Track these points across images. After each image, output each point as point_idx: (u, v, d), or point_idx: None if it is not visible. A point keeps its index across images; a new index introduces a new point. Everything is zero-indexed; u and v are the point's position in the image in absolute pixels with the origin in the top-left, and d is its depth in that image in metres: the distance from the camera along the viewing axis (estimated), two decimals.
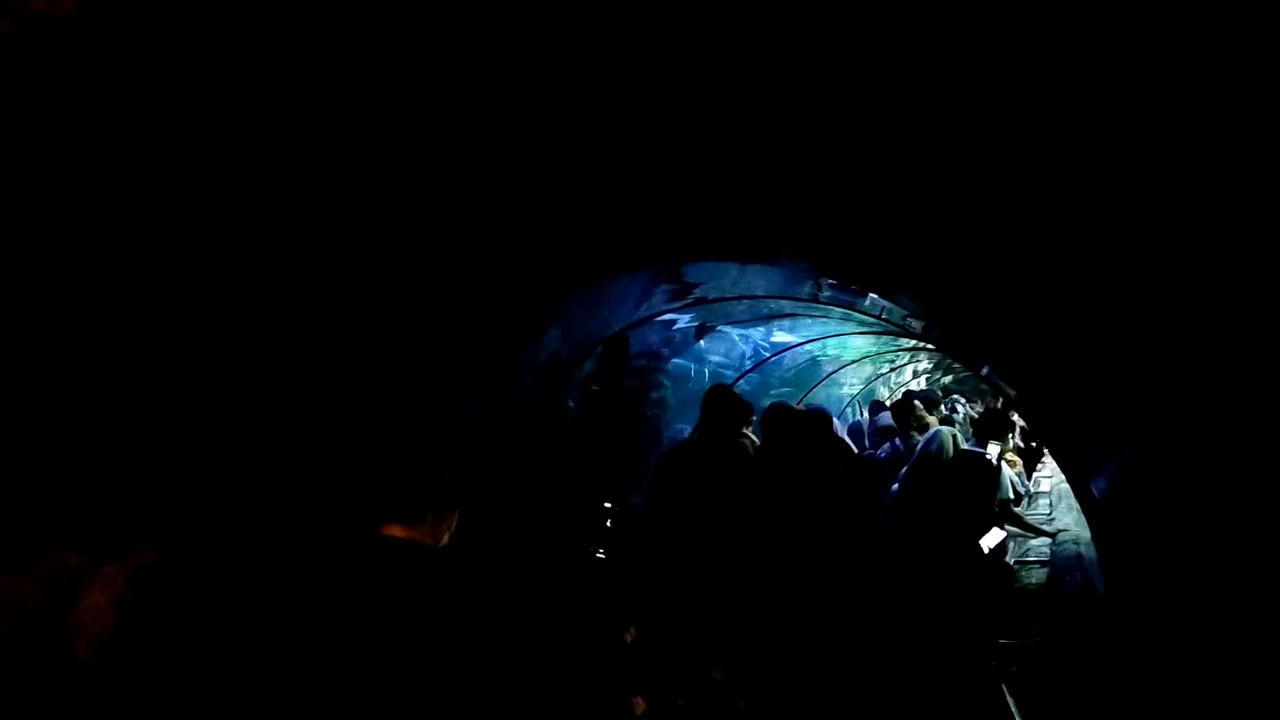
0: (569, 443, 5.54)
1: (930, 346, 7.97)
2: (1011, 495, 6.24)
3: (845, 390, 10.41)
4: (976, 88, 2.39)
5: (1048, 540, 6.72)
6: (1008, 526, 5.83)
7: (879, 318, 5.47)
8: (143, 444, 2.54)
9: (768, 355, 8.03)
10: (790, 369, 8.68)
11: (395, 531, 2.06)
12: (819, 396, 9.19)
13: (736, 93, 2.69)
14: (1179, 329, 2.30)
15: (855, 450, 6.42)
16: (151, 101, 2.48)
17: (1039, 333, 2.88)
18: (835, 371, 9.53)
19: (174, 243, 2.65)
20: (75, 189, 2.42)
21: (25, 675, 1.69)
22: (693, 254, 4.23)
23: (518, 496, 2.71)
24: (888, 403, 9.00)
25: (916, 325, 4.80)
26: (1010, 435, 8.25)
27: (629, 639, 3.11)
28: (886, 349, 9.48)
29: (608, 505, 3.33)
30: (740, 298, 5.75)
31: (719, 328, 6.84)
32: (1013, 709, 3.73)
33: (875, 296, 4.68)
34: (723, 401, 4.20)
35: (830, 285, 5.02)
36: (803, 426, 4.05)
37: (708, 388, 4.37)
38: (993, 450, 5.67)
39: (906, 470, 5.22)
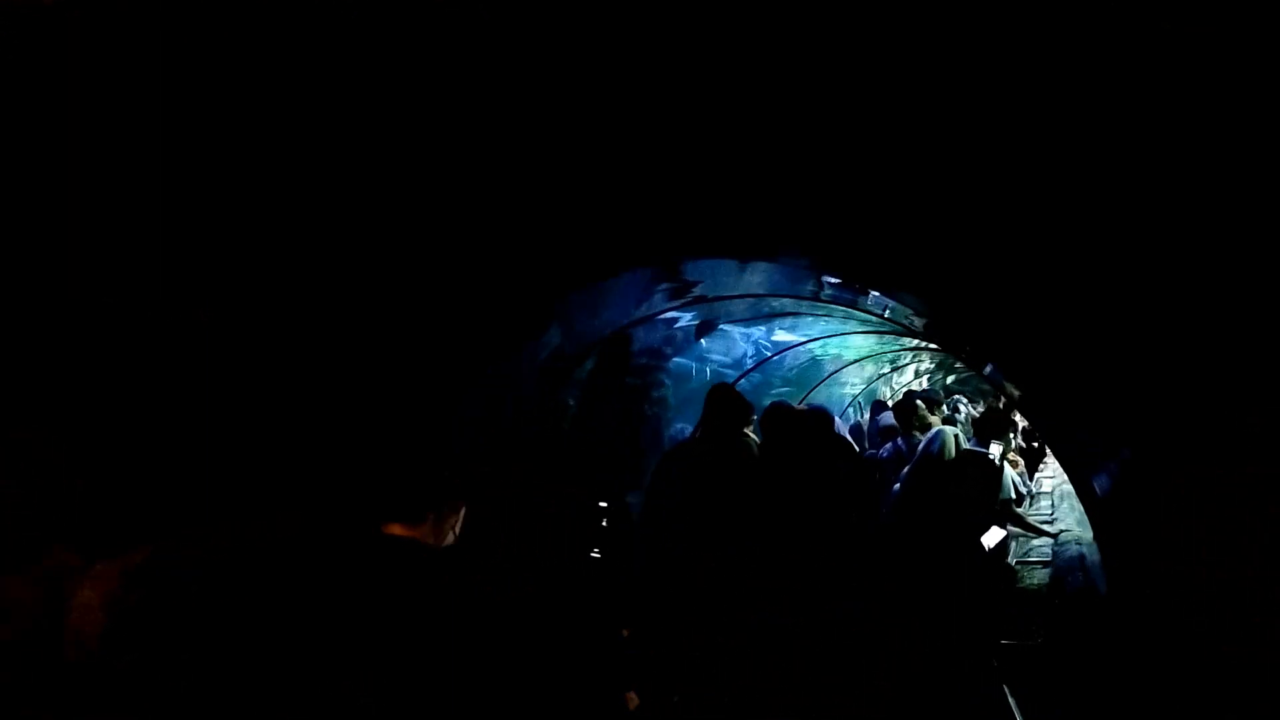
0: (569, 443, 5.54)
1: (933, 346, 7.97)
2: (1013, 495, 6.24)
3: (847, 390, 10.40)
4: (978, 86, 2.39)
5: (1049, 540, 6.72)
6: (1009, 527, 5.82)
7: (881, 316, 5.46)
8: (143, 444, 2.54)
9: (769, 354, 8.02)
10: (792, 368, 8.68)
11: (396, 531, 2.06)
12: (820, 396, 9.18)
13: (737, 91, 2.69)
14: (1179, 329, 2.30)
15: (857, 450, 6.43)
16: (151, 101, 2.48)
17: (1042, 332, 2.88)
18: (837, 371, 9.52)
19: (174, 243, 2.65)
20: (75, 189, 2.42)
21: (25, 675, 1.69)
22: (692, 252, 4.22)
23: (518, 496, 2.70)
24: (889, 402, 9.00)
25: (919, 324, 4.80)
26: (1012, 435, 8.26)
27: (625, 638, 3.11)
28: (888, 348, 9.48)
29: (603, 505, 3.33)
30: (741, 296, 5.74)
31: (720, 326, 6.84)
32: (1014, 709, 3.73)
33: (877, 295, 4.68)
34: (725, 400, 4.19)
35: (832, 284, 5.02)
36: (803, 426, 4.04)
37: (709, 387, 4.36)
38: (995, 450, 5.67)
39: (908, 470, 5.22)
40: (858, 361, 9.74)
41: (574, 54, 2.67)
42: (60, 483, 1.83)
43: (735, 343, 7.55)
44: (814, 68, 2.54)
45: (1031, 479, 9.19)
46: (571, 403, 5.59)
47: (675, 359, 6.82)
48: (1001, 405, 8.10)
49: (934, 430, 5.23)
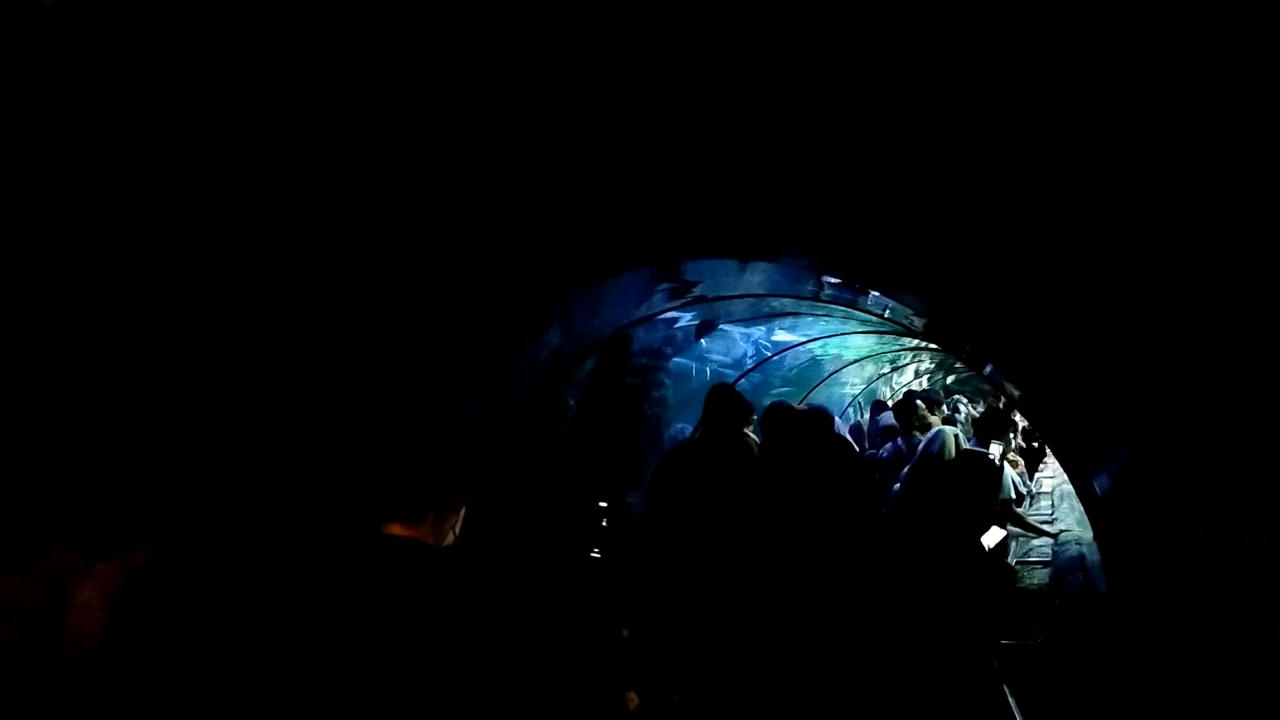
0: (569, 443, 5.54)
1: (933, 346, 7.97)
2: (1013, 495, 6.24)
3: (847, 390, 10.40)
4: (978, 86, 2.39)
5: (1049, 540, 6.72)
6: (1009, 527, 5.82)
7: (881, 316, 5.46)
8: (143, 444, 2.54)
9: (769, 354, 8.02)
10: (792, 368, 8.68)
11: (396, 531, 2.06)
12: (820, 396, 9.18)
13: (736, 89, 2.69)
14: (1179, 329, 2.30)
15: (857, 450, 6.43)
16: (151, 101, 2.48)
17: (1042, 332, 2.88)
18: (837, 371, 9.52)
19: (174, 243, 2.65)
20: (75, 189, 2.42)
21: (25, 675, 1.69)
22: (692, 251, 4.22)
23: (518, 496, 2.70)
24: (889, 402, 9.00)
25: (919, 324, 4.80)
26: (1012, 435, 8.26)
27: (625, 638, 3.11)
28: (888, 348, 9.48)
29: (603, 505, 3.33)
30: (741, 296, 5.74)
31: (720, 326, 6.84)
32: (1014, 709, 3.73)
33: (877, 294, 4.68)
34: (725, 400, 4.19)
35: (832, 283, 5.02)
36: (803, 426, 4.04)
37: (709, 387, 4.36)
38: (995, 450, 5.67)
39: (908, 470, 5.22)
40: (858, 361, 9.74)
41: (574, 54, 2.67)
42: (60, 483, 1.83)
43: (735, 343, 7.55)
44: (814, 68, 2.54)
45: (1031, 479, 9.19)
46: (571, 403, 5.59)
47: (675, 359, 6.82)
48: (1001, 405, 8.10)
49: (934, 430, 5.23)
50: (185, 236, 2.67)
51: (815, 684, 2.28)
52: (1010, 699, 3.79)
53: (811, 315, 6.88)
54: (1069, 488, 6.75)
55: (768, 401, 4.42)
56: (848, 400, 10.45)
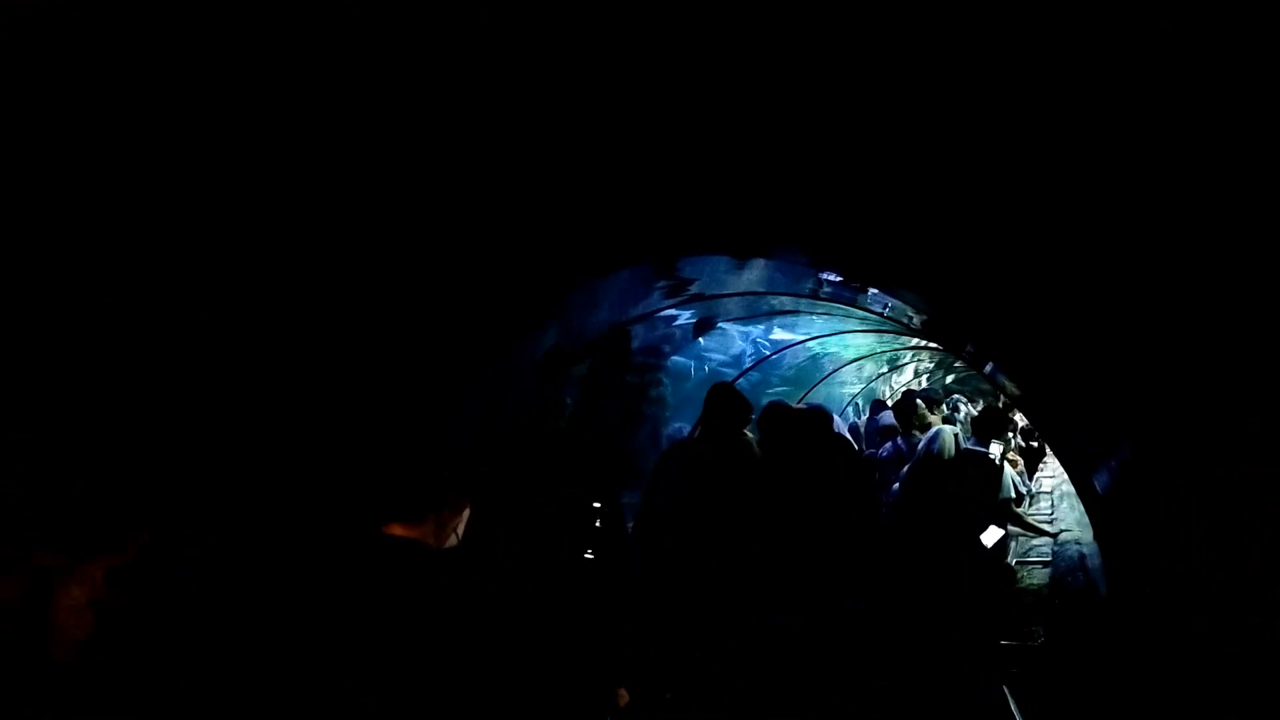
0: (567, 442, 5.54)
1: (933, 345, 7.98)
2: (1013, 495, 6.25)
3: (846, 389, 10.40)
4: (978, 83, 2.39)
5: (1049, 540, 6.73)
6: (1009, 526, 5.83)
7: (880, 315, 5.46)
8: (143, 444, 2.54)
9: (768, 353, 8.02)
10: (790, 367, 8.68)
11: (396, 531, 2.06)
12: (820, 395, 9.18)
13: (735, 86, 2.69)
14: (1180, 329, 2.30)
15: (856, 449, 6.43)
16: (151, 101, 2.48)
17: (1042, 331, 2.88)
18: (836, 370, 9.52)
19: (174, 243, 2.65)
20: (75, 189, 2.42)
21: (12, 675, 1.69)
22: (689, 248, 4.22)
23: (518, 496, 2.70)
24: (889, 402, 9.01)
25: (918, 322, 4.80)
26: (1012, 434, 8.26)
27: (625, 638, 3.12)
28: (888, 347, 9.48)
29: (597, 505, 3.33)
30: (740, 294, 5.75)
31: (719, 324, 6.84)
32: (1013, 709, 3.73)
33: (877, 292, 4.68)
34: (725, 399, 4.19)
35: (831, 281, 5.01)
36: (802, 425, 4.04)
37: (710, 386, 4.36)
38: (995, 450, 5.67)
39: (908, 469, 5.23)
40: (857, 360, 9.75)
41: (572, 53, 2.67)
42: (60, 483, 1.83)
43: (734, 341, 7.55)
44: (814, 63, 2.54)
45: (1031, 479, 9.20)
46: (569, 401, 5.59)
47: (674, 357, 6.82)
48: (1001, 404, 8.11)
49: (933, 430, 5.23)
50: (185, 236, 2.67)
51: (815, 684, 2.28)
52: (1010, 699, 3.79)
53: (810, 313, 6.88)
54: (1069, 487, 6.76)
55: (765, 401, 4.43)
56: (847, 399, 10.45)
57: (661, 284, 5.07)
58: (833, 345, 8.66)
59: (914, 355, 10.95)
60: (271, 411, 2.98)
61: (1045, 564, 6.25)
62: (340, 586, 1.95)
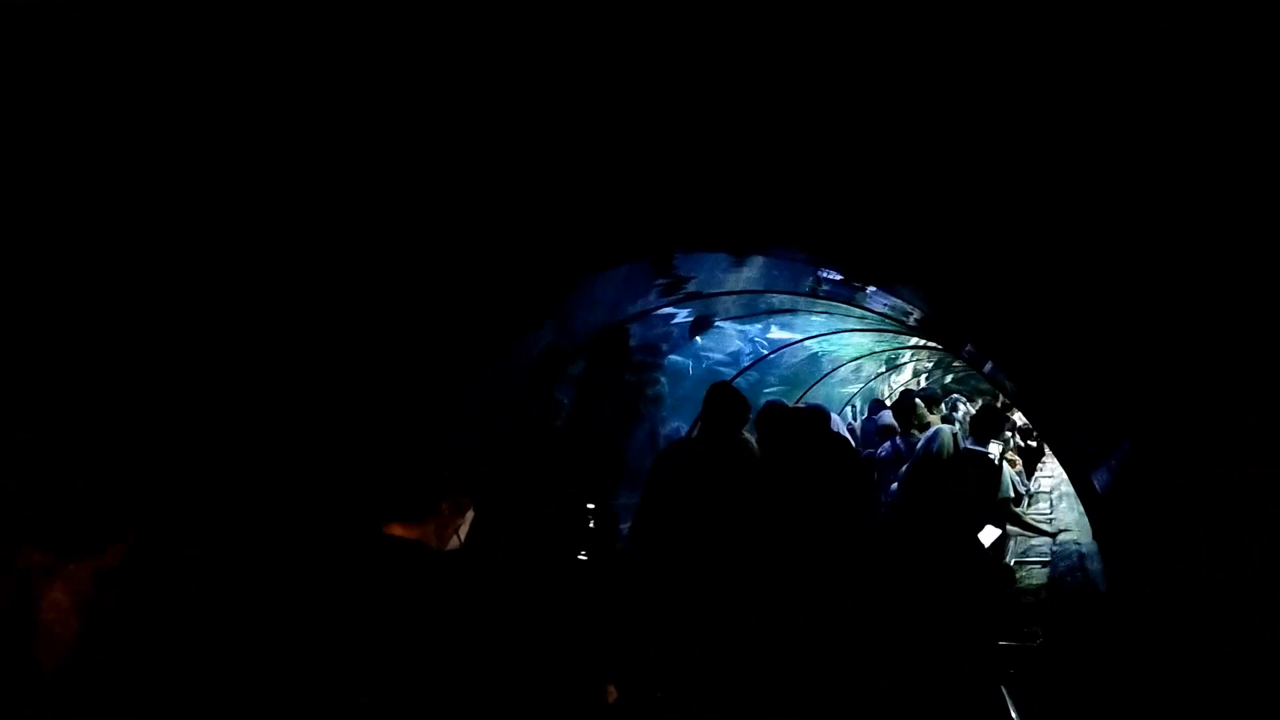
0: (566, 441, 5.54)
1: (932, 345, 7.98)
2: (1012, 495, 6.25)
3: (845, 389, 10.40)
4: (978, 80, 2.39)
5: (1048, 540, 6.73)
6: (1008, 526, 5.83)
7: (879, 313, 5.46)
8: (143, 444, 2.54)
9: (766, 352, 8.01)
10: (789, 366, 8.67)
11: (396, 531, 2.06)
12: (818, 394, 9.18)
13: (733, 83, 2.69)
14: (1180, 329, 2.30)
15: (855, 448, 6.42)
16: (151, 101, 2.48)
17: (1042, 330, 2.89)
18: (835, 369, 9.52)
19: (174, 243, 2.65)
20: (75, 189, 2.41)
21: (21, 676, 1.69)
22: (686, 244, 4.21)
23: (518, 496, 2.70)
24: (888, 401, 9.01)
25: (917, 321, 4.80)
26: (1011, 434, 8.26)
27: (625, 638, 3.11)
28: (887, 346, 9.48)
29: (590, 506, 3.33)
30: (737, 292, 5.74)
31: (716, 323, 6.83)
32: (1011, 710, 3.73)
33: (875, 290, 4.67)
34: (725, 399, 4.19)
35: (830, 279, 5.01)
36: (800, 424, 4.04)
37: (707, 385, 4.36)
38: (994, 449, 5.68)
39: (907, 469, 5.24)
40: (856, 360, 9.74)
41: (570, 52, 2.66)
42: (60, 483, 1.83)
43: (731, 340, 7.54)
44: (814, 60, 2.54)
45: (1030, 478, 9.21)
46: (565, 400, 5.59)
47: (671, 356, 6.81)
48: (999, 404, 8.11)
49: (932, 429, 5.25)
50: (185, 236, 2.67)
51: (815, 684, 2.28)
52: (1009, 699, 3.79)
53: (809, 312, 6.87)
54: (1068, 487, 6.76)
55: (763, 400, 4.42)
56: (846, 399, 10.45)
57: (659, 281, 5.06)
58: (831, 344, 8.65)
59: (913, 354, 10.95)
60: (271, 412, 2.98)
61: (1044, 564, 6.25)
62: (340, 587, 1.95)
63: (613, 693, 2.83)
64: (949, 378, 13.29)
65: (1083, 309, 2.62)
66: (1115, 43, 2.07)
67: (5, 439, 1.79)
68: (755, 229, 3.77)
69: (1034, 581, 5.94)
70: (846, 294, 5.31)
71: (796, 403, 7.75)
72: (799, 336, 7.98)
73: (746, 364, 7.84)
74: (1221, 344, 2.19)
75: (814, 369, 9.19)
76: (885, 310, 5.21)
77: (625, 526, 4.18)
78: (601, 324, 5.29)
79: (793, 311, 6.84)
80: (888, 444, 6.84)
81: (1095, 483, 2.86)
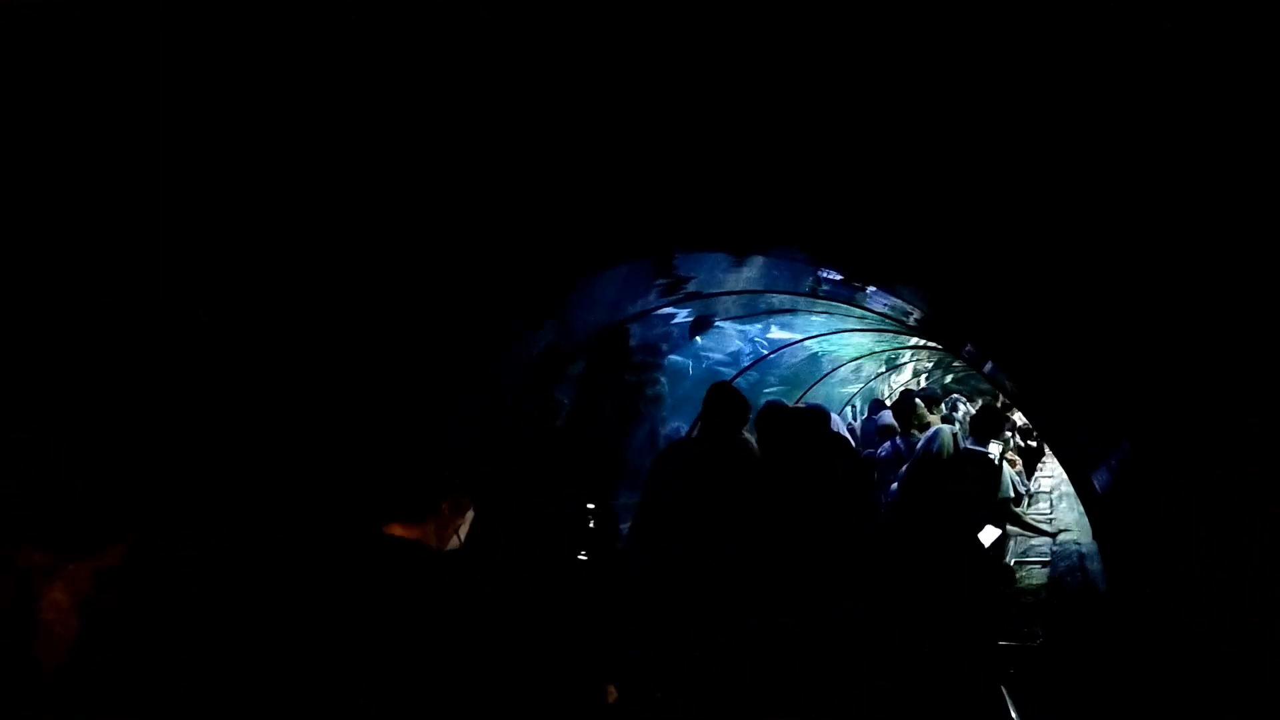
0: (566, 441, 5.54)
1: (932, 345, 7.98)
2: (1012, 495, 6.25)
3: (845, 389, 10.40)
4: (978, 80, 2.39)
5: (1048, 540, 6.73)
6: (1008, 526, 5.83)
7: (879, 313, 5.46)
8: (143, 444, 2.54)
9: (766, 352, 8.01)
10: (789, 366, 8.67)
11: (397, 532, 2.06)
12: (818, 394, 9.18)
13: (734, 83, 2.69)
14: (1180, 328, 2.30)
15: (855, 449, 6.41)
16: (151, 101, 2.48)
17: (1042, 330, 2.89)
18: (835, 370, 9.51)
19: (174, 243, 2.65)
20: (75, 189, 2.41)
21: (25, 675, 1.68)
22: (686, 244, 4.21)
23: (518, 496, 2.70)
24: (888, 401, 9.01)
25: (917, 320, 4.80)
26: (1011, 434, 8.26)
27: (625, 638, 3.11)
28: (887, 346, 9.48)
29: (590, 506, 3.33)
30: (737, 292, 5.74)
31: (716, 323, 6.83)
32: (1011, 711, 3.73)
33: (875, 290, 4.67)
34: (725, 399, 4.19)
35: (830, 279, 5.01)
36: (799, 424, 4.04)
37: (707, 385, 4.35)
38: (994, 450, 5.68)
39: (907, 469, 5.24)
40: (856, 360, 9.74)
41: (569, 51, 2.66)
42: (60, 483, 1.83)
43: (731, 340, 7.54)
44: (815, 59, 2.54)
45: (1030, 478, 9.20)
46: (565, 401, 5.59)
47: (671, 356, 6.81)
48: (999, 404, 8.11)
49: (933, 429, 5.25)
50: (185, 236, 2.67)
51: (815, 684, 2.28)
52: (1008, 700, 3.79)
53: (809, 312, 6.86)
54: (1068, 488, 6.76)
55: (763, 401, 4.42)
56: (845, 399, 10.45)
57: (659, 281, 5.06)
58: (831, 344, 8.65)
59: (913, 355, 10.95)
60: (271, 412, 2.98)
61: (1044, 564, 6.25)
62: (340, 587, 1.95)
63: (613, 693, 2.83)
64: (949, 378, 13.29)
65: (1082, 309, 2.62)
66: (1115, 43, 2.07)
67: (5, 439, 1.79)
68: (755, 229, 3.77)
69: (1034, 581, 5.94)
70: (846, 294, 5.31)
71: (796, 403, 7.75)
72: (799, 336, 7.97)
73: (746, 364, 7.84)
74: (1221, 344, 2.19)
75: (814, 369, 9.18)
76: (885, 310, 5.21)
77: (625, 527, 4.18)
78: (601, 324, 5.29)
79: (793, 311, 6.84)
80: (888, 444, 6.83)
81: (1095, 483, 2.86)
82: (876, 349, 9.53)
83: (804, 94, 2.67)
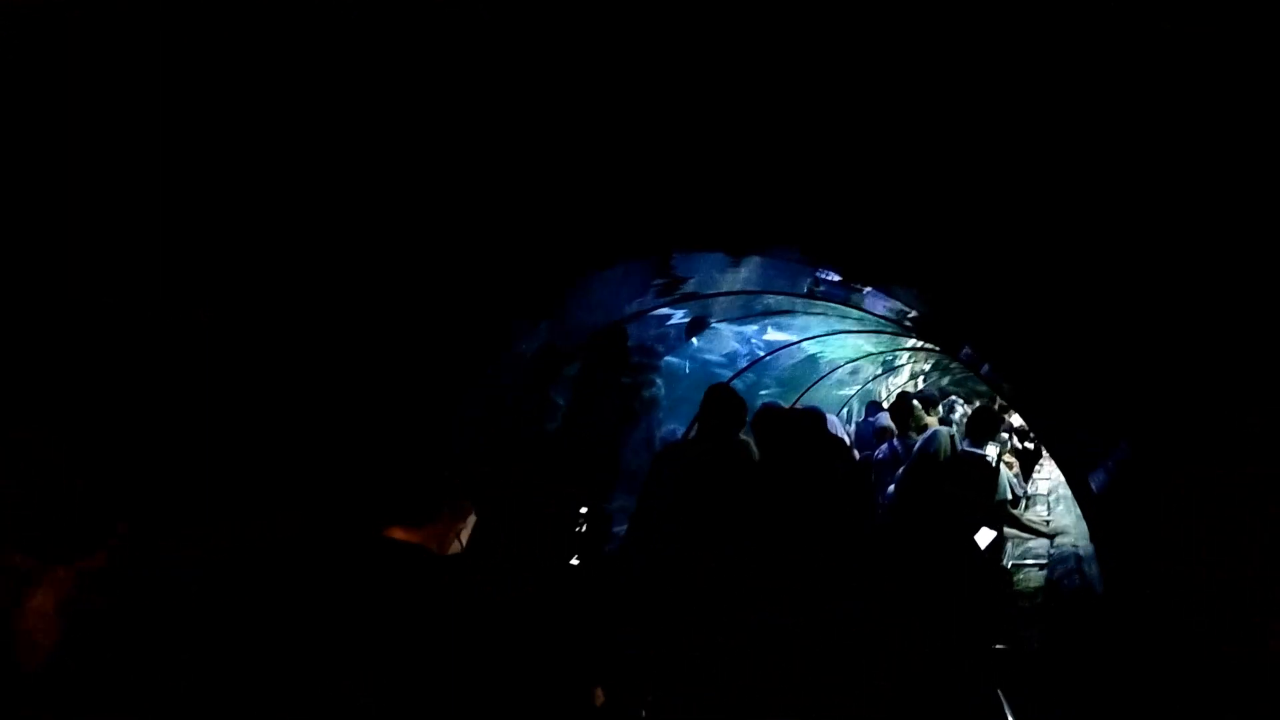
0: (563, 442, 5.53)
1: (929, 346, 7.97)
2: (1009, 496, 6.25)
3: (842, 391, 10.40)
4: (977, 80, 2.39)
5: (1045, 542, 6.73)
6: (1005, 528, 5.83)
7: (877, 315, 5.46)
8: (143, 444, 2.53)
9: (763, 354, 8.00)
10: (786, 368, 8.66)
11: (397, 534, 2.06)
12: (815, 396, 9.17)
13: (732, 83, 2.69)
14: (1180, 328, 2.30)
15: (852, 450, 6.40)
16: (151, 101, 2.48)
17: (1040, 331, 2.89)
18: (832, 371, 9.51)
19: (174, 243, 2.65)
20: (75, 189, 2.41)
21: (23, 675, 1.68)
22: (683, 244, 4.21)
23: (518, 496, 2.70)
24: (885, 403, 9.01)
25: (915, 321, 4.80)
26: (1008, 435, 8.26)
27: (625, 638, 3.11)
28: (884, 348, 9.48)
29: (583, 510, 3.33)
30: (734, 292, 5.73)
31: (713, 324, 6.81)
32: (1008, 714, 3.73)
33: (873, 291, 4.67)
34: (723, 400, 4.19)
35: (827, 280, 5.01)
36: (796, 426, 4.04)
37: (704, 387, 4.35)
38: (991, 451, 5.67)
39: (904, 470, 5.24)
40: (853, 362, 9.74)
41: (569, 51, 2.67)
42: (60, 483, 1.82)
43: (728, 341, 7.53)
44: (812, 59, 2.54)
45: (1027, 480, 9.20)
46: (561, 401, 5.58)
47: (667, 357, 6.80)
48: (996, 406, 8.11)
49: (930, 431, 5.25)
50: (185, 236, 2.67)
51: (815, 684, 2.28)
52: (1004, 702, 3.79)
53: (806, 314, 6.85)
54: (1065, 490, 6.76)
55: (759, 403, 4.42)
56: (843, 401, 10.45)
57: (656, 281, 5.05)
58: (828, 346, 8.64)
59: (910, 356, 10.95)
60: (271, 412, 2.98)
61: (1041, 566, 6.25)
62: (340, 587, 1.94)
63: (600, 696, 2.83)
64: (946, 379, 13.29)
65: (1080, 310, 2.62)
66: (1114, 43, 2.07)
67: (5, 439, 1.79)
68: (753, 228, 3.77)
69: (1031, 584, 5.94)
70: (843, 295, 5.31)
71: (793, 405, 7.75)
72: (796, 338, 7.96)
73: (743, 365, 7.83)
74: (1220, 344, 2.19)
75: (811, 371, 9.18)
76: (882, 312, 5.21)
77: (620, 529, 4.18)
78: (598, 324, 5.28)
79: (790, 313, 6.83)
80: (885, 446, 6.83)
81: (1092, 484, 2.87)
82: (874, 351, 9.52)
83: (803, 94, 2.67)
